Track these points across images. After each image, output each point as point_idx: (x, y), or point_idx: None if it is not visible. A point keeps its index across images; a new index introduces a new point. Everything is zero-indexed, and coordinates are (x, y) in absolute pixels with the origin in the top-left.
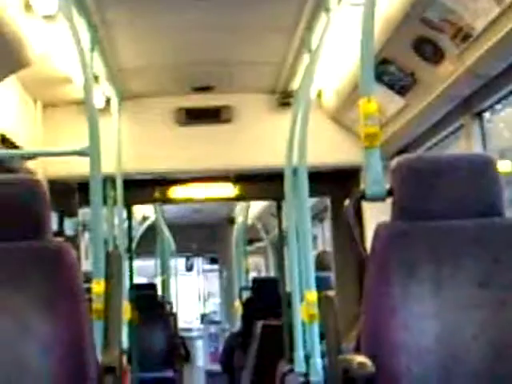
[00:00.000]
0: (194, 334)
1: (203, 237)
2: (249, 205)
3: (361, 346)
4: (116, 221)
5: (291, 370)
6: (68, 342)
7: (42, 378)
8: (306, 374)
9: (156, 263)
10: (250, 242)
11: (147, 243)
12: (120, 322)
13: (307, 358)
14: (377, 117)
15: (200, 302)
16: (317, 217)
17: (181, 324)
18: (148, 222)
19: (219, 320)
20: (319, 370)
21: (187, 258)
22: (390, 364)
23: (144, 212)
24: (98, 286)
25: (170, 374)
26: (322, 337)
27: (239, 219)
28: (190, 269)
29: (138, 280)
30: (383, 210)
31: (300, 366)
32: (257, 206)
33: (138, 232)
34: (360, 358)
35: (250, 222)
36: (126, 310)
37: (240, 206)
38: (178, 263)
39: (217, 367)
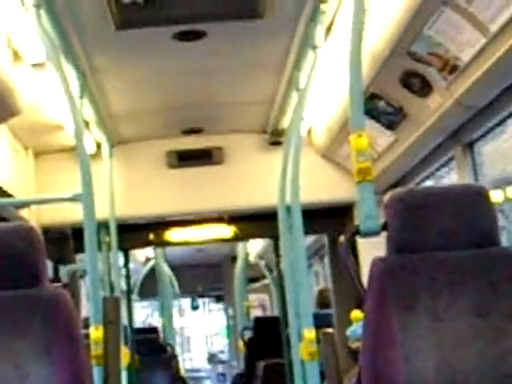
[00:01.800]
0: (202, 374)
1: (207, 276)
2: (246, 244)
3: (362, 382)
4: (112, 265)
5: None
6: None
7: None
8: None
9: (159, 305)
10: (255, 279)
11: (152, 284)
12: (119, 366)
13: None
14: (368, 152)
15: (207, 341)
16: (317, 253)
17: (188, 365)
18: (150, 264)
19: (227, 359)
20: None
21: (193, 298)
22: None
23: (147, 254)
24: (96, 332)
25: None
26: (323, 375)
27: (240, 258)
28: (195, 308)
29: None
30: (377, 244)
31: None
32: (258, 244)
33: (140, 274)
34: None
35: (252, 259)
36: (125, 355)
37: (242, 244)
38: (183, 303)
39: None
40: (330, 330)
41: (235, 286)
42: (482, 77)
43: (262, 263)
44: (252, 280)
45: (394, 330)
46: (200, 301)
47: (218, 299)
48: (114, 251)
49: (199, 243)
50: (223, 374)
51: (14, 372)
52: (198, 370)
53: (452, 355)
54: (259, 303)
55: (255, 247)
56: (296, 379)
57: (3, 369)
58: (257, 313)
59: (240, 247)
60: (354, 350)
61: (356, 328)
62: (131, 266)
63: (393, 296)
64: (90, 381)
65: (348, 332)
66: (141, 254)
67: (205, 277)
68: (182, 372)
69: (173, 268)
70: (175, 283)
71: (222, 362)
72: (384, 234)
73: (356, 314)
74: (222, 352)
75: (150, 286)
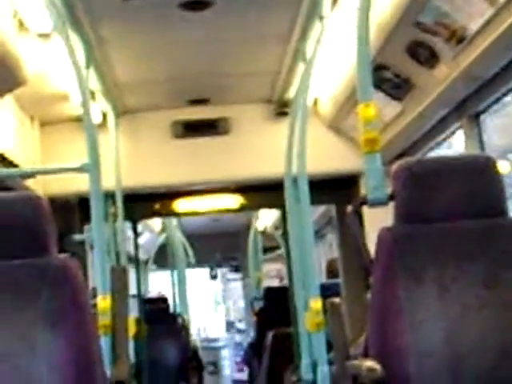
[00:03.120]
0: (220, 343)
1: (224, 246)
2: (257, 214)
3: (369, 351)
4: (119, 236)
5: (299, 380)
6: (76, 358)
7: None
8: (314, 382)
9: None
10: (271, 249)
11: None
12: (127, 336)
13: (314, 366)
14: (376, 122)
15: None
16: (330, 223)
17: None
18: (165, 234)
19: (244, 328)
20: (326, 378)
21: (211, 268)
22: (399, 367)
23: (165, 222)
24: (103, 302)
25: None
26: (329, 344)
27: (252, 228)
28: (214, 277)
29: None
30: (382, 215)
31: (307, 375)
32: (273, 214)
33: (155, 244)
34: (369, 363)
35: (268, 229)
36: (132, 325)
37: (254, 215)
38: (199, 273)
39: (243, 375)
40: (336, 299)
41: (248, 256)
42: (490, 47)
43: (278, 233)
44: (269, 249)
45: (401, 299)
46: (218, 271)
47: (236, 269)
48: (121, 221)
49: (206, 213)
50: (240, 344)
51: (20, 342)
52: (216, 340)
53: (458, 325)
54: (277, 273)
55: (271, 217)
56: (303, 349)
57: (9, 339)
58: (274, 283)
59: (254, 217)
60: None
61: None
62: (147, 236)
63: (400, 266)
64: (99, 351)
65: None
66: (157, 224)
67: (222, 246)
68: (198, 343)
69: (189, 238)
70: (190, 253)
71: (240, 331)
72: (390, 205)
73: None
74: (239, 321)
75: (167, 256)
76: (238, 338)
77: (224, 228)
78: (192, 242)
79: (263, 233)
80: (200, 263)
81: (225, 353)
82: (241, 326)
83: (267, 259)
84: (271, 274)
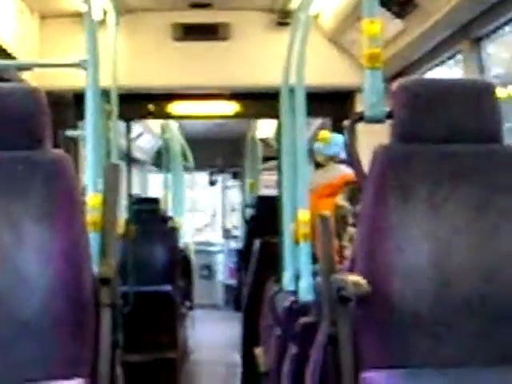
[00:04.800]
0: (216, 248)
1: (226, 152)
2: (255, 122)
3: (355, 267)
4: (112, 134)
5: (281, 290)
6: (65, 251)
7: (39, 288)
8: (296, 294)
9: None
10: (271, 159)
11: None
12: (115, 233)
13: (297, 277)
14: (379, 38)
15: (222, 217)
16: None
17: (201, 238)
18: (165, 136)
19: (240, 235)
20: (309, 290)
21: (211, 173)
22: (384, 284)
23: (163, 125)
24: (93, 199)
25: (167, 288)
26: (313, 258)
27: (254, 136)
28: (213, 183)
29: None
30: (378, 134)
31: (289, 285)
32: (274, 124)
33: (154, 146)
34: (354, 278)
35: (269, 139)
36: (120, 224)
37: (251, 123)
38: (199, 179)
39: (235, 282)
40: (326, 212)
41: (245, 165)
42: None
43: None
44: (269, 159)
45: (391, 218)
46: (219, 178)
47: (235, 176)
48: (115, 120)
49: (200, 118)
50: (235, 250)
51: (9, 233)
52: (212, 244)
53: (446, 246)
54: (275, 183)
55: (272, 126)
56: (287, 260)
57: (1, 229)
58: (272, 193)
59: (254, 126)
60: None
61: (323, 147)
62: (148, 137)
63: (392, 183)
64: (87, 247)
65: (314, 146)
66: (157, 126)
67: (223, 152)
68: (192, 246)
69: (190, 142)
70: (190, 157)
71: (235, 238)
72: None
73: (324, 134)
74: (236, 228)
75: (167, 158)
76: (233, 244)
77: (227, 134)
78: (193, 146)
79: (264, 141)
80: (199, 168)
81: (219, 258)
82: (237, 232)
83: (267, 168)
84: (269, 183)
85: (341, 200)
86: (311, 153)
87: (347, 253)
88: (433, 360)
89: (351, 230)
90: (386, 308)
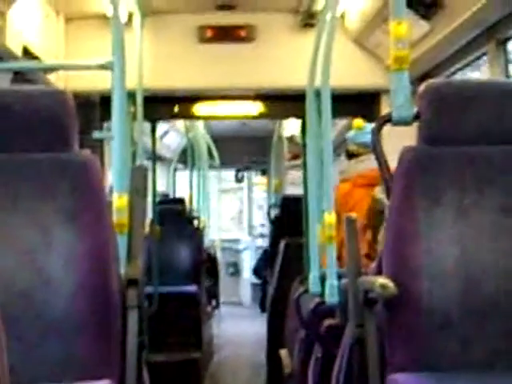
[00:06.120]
0: (241, 246)
1: (253, 150)
2: (281, 122)
3: (382, 269)
4: (138, 135)
5: (306, 291)
6: (92, 255)
7: (66, 290)
8: (322, 295)
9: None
10: (298, 157)
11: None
12: (143, 236)
13: (323, 279)
14: (407, 40)
15: (249, 214)
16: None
17: (227, 236)
18: (190, 135)
19: (266, 233)
20: (334, 292)
21: (238, 170)
22: (412, 287)
23: (187, 124)
24: (119, 200)
25: (192, 288)
26: (338, 260)
27: (280, 134)
28: (240, 180)
29: None
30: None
31: (315, 287)
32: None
33: (181, 143)
34: (382, 280)
35: (296, 137)
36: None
37: (280, 121)
38: (226, 176)
39: None
40: (353, 214)
41: (271, 163)
42: None
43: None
44: (296, 157)
45: (419, 220)
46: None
47: (263, 173)
48: (140, 121)
49: (225, 118)
50: (261, 248)
51: (37, 234)
52: (237, 241)
53: (473, 249)
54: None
55: (298, 125)
56: (312, 261)
57: (30, 230)
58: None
59: (278, 124)
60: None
61: (356, 135)
62: (174, 134)
63: (419, 186)
64: (114, 248)
65: (348, 135)
66: (183, 124)
67: (250, 150)
68: (218, 243)
69: (216, 140)
70: (215, 154)
71: (262, 236)
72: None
73: (358, 122)
74: (262, 225)
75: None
76: (260, 242)
77: (253, 132)
78: (219, 144)
79: (291, 139)
80: (226, 166)
81: (245, 256)
82: (263, 230)
83: (294, 166)
84: (295, 181)
85: (379, 193)
86: (343, 143)
87: (379, 248)
88: (461, 362)
89: None
90: (413, 310)
